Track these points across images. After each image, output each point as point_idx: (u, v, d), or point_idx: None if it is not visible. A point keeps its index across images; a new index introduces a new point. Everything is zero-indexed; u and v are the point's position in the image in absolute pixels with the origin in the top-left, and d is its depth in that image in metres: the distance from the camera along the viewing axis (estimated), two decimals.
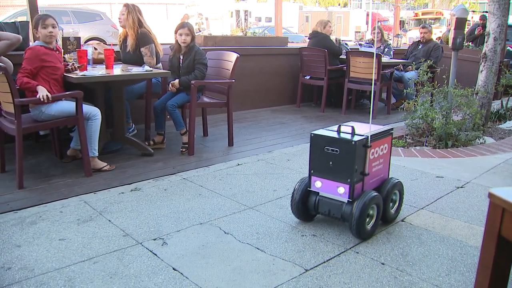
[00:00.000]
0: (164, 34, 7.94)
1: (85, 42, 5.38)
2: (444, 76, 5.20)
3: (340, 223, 2.61)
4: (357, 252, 2.33)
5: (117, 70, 3.96)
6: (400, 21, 20.54)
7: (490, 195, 1.35)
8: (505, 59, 7.41)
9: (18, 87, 3.23)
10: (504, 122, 5.55)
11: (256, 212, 2.82)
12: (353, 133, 2.43)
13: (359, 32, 28.34)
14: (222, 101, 4.42)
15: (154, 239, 2.44)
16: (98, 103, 3.73)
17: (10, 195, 3.07)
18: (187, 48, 4.19)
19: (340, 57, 6.50)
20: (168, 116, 4.17)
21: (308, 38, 6.73)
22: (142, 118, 4.64)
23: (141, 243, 2.40)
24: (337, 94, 6.68)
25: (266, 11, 28.27)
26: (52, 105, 3.35)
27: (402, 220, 2.73)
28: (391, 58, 6.76)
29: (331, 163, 2.44)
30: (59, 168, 3.64)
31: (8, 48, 3.62)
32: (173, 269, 2.15)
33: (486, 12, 5.93)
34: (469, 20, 11.17)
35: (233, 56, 4.32)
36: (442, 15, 24.71)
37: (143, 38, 4.28)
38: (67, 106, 3.41)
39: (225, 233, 2.53)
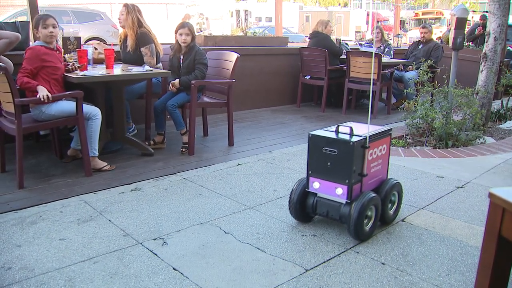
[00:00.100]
0: (164, 34, 7.94)
1: (85, 42, 5.38)
2: (444, 76, 5.19)
3: (340, 223, 2.61)
4: (357, 252, 2.33)
5: (117, 70, 3.96)
6: (400, 21, 20.55)
7: (490, 195, 1.35)
8: (505, 59, 7.41)
9: (18, 87, 3.23)
10: (504, 122, 5.55)
11: (256, 212, 2.82)
12: (351, 134, 2.41)
13: (359, 32, 28.35)
14: (222, 101, 4.42)
15: (154, 239, 2.44)
16: (98, 103, 3.73)
17: (10, 195, 3.07)
18: (188, 48, 4.19)
19: (341, 57, 6.50)
20: (168, 116, 4.17)
21: (309, 38, 6.73)
22: (142, 118, 4.64)
23: (141, 243, 2.40)
24: (337, 94, 6.68)
25: (266, 11, 28.27)
26: (52, 105, 3.35)
27: (403, 220, 2.73)
28: (391, 58, 6.76)
29: (329, 164, 2.42)
30: (59, 168, 3.64)
31: (7, 46, 3.61)
32: (173, 269, 2.15)
33: (487, 12, 5.93)
34: (469, 20, 11.17)
35: (233, 56, 4.32)
36: (443, 15, 24.72)
37: (143, 38, 4.28)
38: (67, 106, 3.42)
39: (225, 233, 2.53)
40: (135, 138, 4.17)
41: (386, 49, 6.85)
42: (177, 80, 4.14)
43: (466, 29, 8.38)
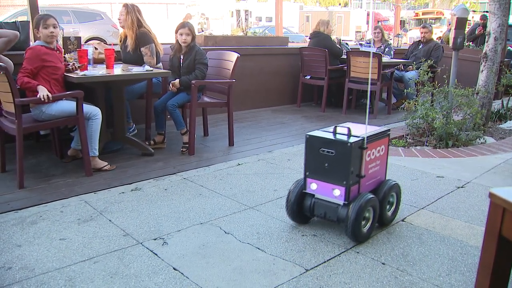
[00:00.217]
0: (164, 34, 7.94)
1: (85, 42, 5.38)
2: (444, 76, 5.19)
3: (338, 224, 2.60)
4: (358, 252, 2.33)
5: (118, 70, 3.96)
6: (401, 21, 20.54)
7: (491, 195, 1.35)
8: (505, 59, 7.41)
9: (18, 87, 3.23)
10: (505, 122, 5.55)
11: (256, 212, 2.82)
12: (349, 135, 2.38)
13: (360, 32, 28.34)
14: (223, 101, 4.42)
15: (155, 239, 2.44)
16: (99, 103, 3.73)
17: (10, 194, 3.07)
18: (188, 48, 4.19)
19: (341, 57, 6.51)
20: (169, 116, 4.17)
21: (309, 38, 6.72)
22: (142, 118, 4.64)
23: (141, 243, 2.40)
24: (337, 94, 6.68)
25: (267, 11, 28.26)
26: (53, 105, 3.35)
27: (403, 220, 2.73)
28: (391, 58, 6.76)
29: (326, 165, 2.40)
30: (59, 168, 3.64)
31: (6, 45, 3.61)
32: (174, 269, 2.15)
33: (487, 11, 5.92)
34: (469, 20, 11.16)
35: (234, 56, 4.32)
36: (443, 15, 24.72)
37: (143, 38, 4.28)
38: (67, 106, 3.42)
39: (225, 233, 2.53)
40: (136, 138, 4.17)
41: (387, 49, 6.85)
42: (177, 80, 4.14)
43: (467, 29, 8.39)
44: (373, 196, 2.42)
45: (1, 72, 3.08)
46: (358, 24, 30.10)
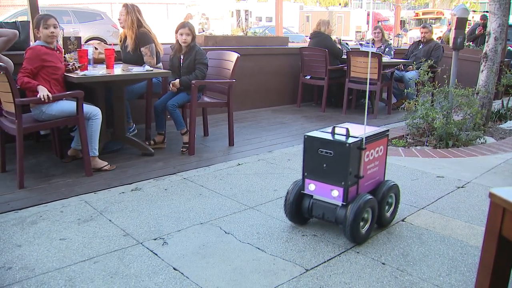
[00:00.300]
0: (164, 34, 7.94)
1: (85, 42, 5.38)
2: (444, 76, 5.19)
3: (336, 225, 2.60)
4: (358, 252, 2.33)
5: (118, 70, 3.96)
6: (401, 21, 20.55)
7: (491, 195, 1.35)
8: (505, 59, 7.41)
9: (18, 86, 3.23)
10: (505, 122, 5.54)
11: (256, 212, 2.82)
12: (347, 135, 2.37)
13: (360, 32, 28.35)
14: (223, 101, 4.42)
15: (155, 239, 2.44)
16: (99, 103, 3.73)
17: (10, 194, 3.07)
18: (188, 48, 4.19)
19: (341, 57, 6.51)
20: (169, 116, 4.17)
21: (309, 38, 6.72)
22: (142, 118, 4.64)
23: (141, 243, 2.40)
24: (337, 94, 6.68)
25: (267, 11, 28.26)
26: (53, 105, 3.35)
27: (403, 220, 2.73)
28: (391, 58, 6.76)
29: (325, 165, 2.39)
30: (59, 168, 3.64)
31: (6, 44, 3.61)
32: (174, 269, 2.15)
33: (487, 11, 5.92)
34: (469, 20, 11.16)
35: (234, 56, 4.32)
36: (443, 15, 24.71)
37: (143, 38, 4.28)
38: (67, 106, 3.42)
39: (225, 233, 2.53)
40: (136, 138, 4.17)
41: (387, 49, 6.85)
42: (177, 80, 4.14)
43: (467, 29, 8.39)
44: (371, 197, 2.41)
45: (1, 72, 3.08)
46: (358, 24, 30.10)
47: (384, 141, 2.60)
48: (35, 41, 3.63)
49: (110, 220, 2.66)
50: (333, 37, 6.67)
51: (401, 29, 16.93)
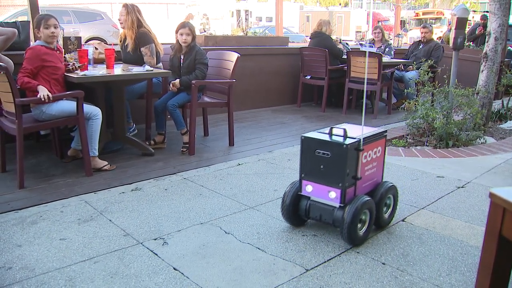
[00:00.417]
0: (164, 34, 7.94)
1: (85, 42, 5.38)
2: (445, 76, 5.19)
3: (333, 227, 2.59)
4: (358, 252, 2.33)
5: (118, 70, 3.96)
6: (401, 21, 20.56)
7: (491, 195, 1.35)
8: (506, 59, 7.41)
9: (18, 86, 3.23)
10: (505, 122, 5.54)
11: (256, 212, 2.82)
12: (345, 136, 2.35)
13: (360, 32, 28.36)
14: (223, 101, 4.42)
15: (155, 239, 2.44)
16: (99, 103, 3.73)
17: (10, 194, 3.08)
18: (188, 48, 4.19)
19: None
20: (169, 116, 4.17)
21: (310, 38, 6.72)
22: (142, 118, 4.64)
23: (141, 243, 2.40)
24: (337, 94, 6.68)
25: (267, 11, 28.28)
26: (53, 105, 3.35)
27: (403, 220, 2.73)
28: (392, 58, 6.76)
29: (322, 166, 2.36)
30: (59, 168, 3.64)
31: (5, 43, 3.61)
32: (174, 269, 2.15)
33: (487, 11, 5.92)
34: (470, 20, 11.16)
35: (234, 56, 4.32)
36: (443, 15, 24.71)
37: (143, 38, 4.28)
38: (67, 106, 3.42)
39: (225, 233, 2.53)
40: (136, 138, 4.17)
41: (387, 49, 6.85)
42: (177, 80, 4.15)
43: (467, 29, 8.39)
44: (369, 198, 2.39)
45: (1, 72, 3.08)
46: (358, 24, 30.12)
47: (382, 141, 2.57)
48: (35, 41, 3.63)
49: (110, 220, 2.66)
50: (334, 37, 6.67)
51: (401, 29, 16.94)
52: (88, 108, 3.47)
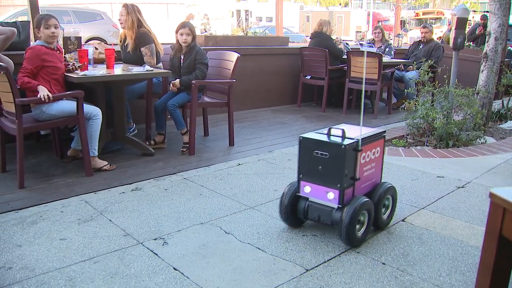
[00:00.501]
0: (164, 34, 7.94)
1: (86, 42, 5.38)
2: (445, 76, 5.19)
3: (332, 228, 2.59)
4: (358, 252, 2.33)
5: (118, 70, 3.96)
6: (401, 21, 20.55)
7: (491, 195, 1.35)
8: (506, 59, 7.40)
9: (19, 86, 3.23)
10: (505, 122, 5.54)
11: (256, 212, 2.82)
12: (343, 137, 2.34)
13: (360, 32, 28.35)
14: (223, 101, 4.42)
15: (155, 239, 2.44)
16: (99, 103, 3.73)
17: (11, 194, 3.08)
18: (188, 48, 4.19)
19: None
20: (169, 116, 4.17)
21: (310, 38, 6.72)
22: (142, 118, 4.64)
23: (141, 243, 2.40)
24: (337, 94, 6.67)
25: (267, 11, 28.27)
26: (53, 104, 3.35)
27: (403, 220, 2.73)
28: (392, 58, 6.76)
29: (320, 167, 2.36)
30: (59, 168, 3.64)
31: (5, 42, 3.61)
32: (174, 268, 2.15)
33: (487, 11, 5.92)
34: (470, 20, 11.15)
35: (234, 56, 4.32)
36: (443, 15, 24.71)
37: (143, 38, 4.28)
38: (68, 106, 3.42)
39: (225, 233, 2.53)
40: (136, 138, 4.17)
41: (387, 49, 6.85)
42: (177, 80, 4.15)
43: (467, 29, 8.38)
44: (367, 199, 2.38)
45: (2, 72, 3.08)
46: (359, 24, 30.12)
47: (380, 142, 2.56)
48: (35, 41, 3.63)
49: (110, 220, 2.66)
50: (334, 37, 6.67)
51: (401, 29, 16.93)
52: (88, 108, 3.47)
